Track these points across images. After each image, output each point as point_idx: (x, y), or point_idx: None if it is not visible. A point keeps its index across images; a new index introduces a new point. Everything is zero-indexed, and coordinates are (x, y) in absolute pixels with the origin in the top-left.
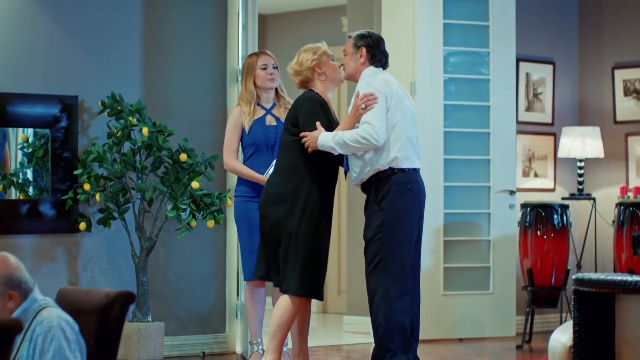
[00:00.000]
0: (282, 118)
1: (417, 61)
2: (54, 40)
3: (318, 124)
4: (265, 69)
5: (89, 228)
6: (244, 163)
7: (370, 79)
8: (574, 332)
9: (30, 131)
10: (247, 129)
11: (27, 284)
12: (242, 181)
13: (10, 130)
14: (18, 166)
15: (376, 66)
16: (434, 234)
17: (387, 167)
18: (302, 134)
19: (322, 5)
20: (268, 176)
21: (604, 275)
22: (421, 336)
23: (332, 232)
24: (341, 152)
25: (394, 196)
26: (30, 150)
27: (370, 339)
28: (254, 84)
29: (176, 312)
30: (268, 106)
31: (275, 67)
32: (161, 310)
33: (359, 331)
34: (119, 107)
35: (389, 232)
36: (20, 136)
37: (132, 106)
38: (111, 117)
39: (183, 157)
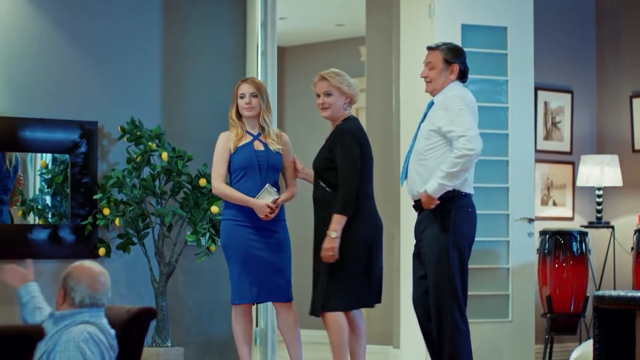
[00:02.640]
0: (270, 145)
1: None
2: (73, 66)
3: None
4: (242, 97)
5: (108, 253)
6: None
7: (462, 91)
8: (594, 349)
9: (49, 157)
10: (232, 150)
11: (78, 294)
12: (231, 205)
13: (30, 155)
14: (37, 192)
15: (463, 82)
16: None
17: (454, 189)
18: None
19: (341, 37)
20: (260, 199)
21: (624, 292)
22: None
23: None
24: (453, 184)
25: (460, 219)
26: (49, 176)
27: None
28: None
29: (195, 338)
30: (254, 132)
31: (255, 96)
32: (180, 335)
33: None
34: (138, 133)
35: (454, 254)
36: (39, 162)
37: (151, 131)
38: (131, 142)
39: (202, 182)
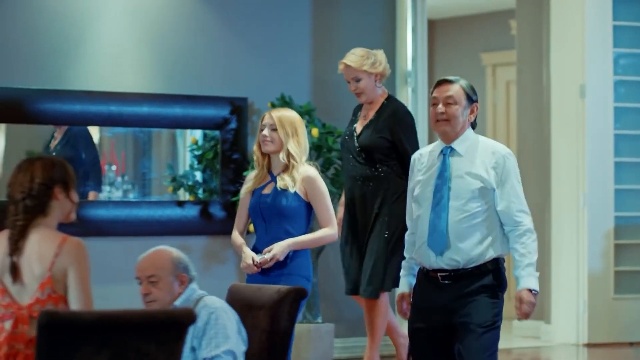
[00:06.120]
0: (278, 183)
1: (587, 63)
2: (224, 44)
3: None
4: (262, 130)
5: None
6: None
7: (510, 152)
8: None
9: (199, 133)
10: (249, 195)
11: (192, 268)
12: None
13: (179, 132)
14: (188, 168)
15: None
16: (604, 237)
17: (501, 255)
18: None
19: (490, 9)
20: (254, 262)
21: None
22: (591, 340)
23: None
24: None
25: (505, 285)
26: (200, 152)
27: (539, 343)
28: None
29: (346, 314)
30: (276, 173)
31: (274, 129)
32: (331, 311)
33: (528, 335)
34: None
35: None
36: (189, 138)
37: (301, 107)
38: None
39: None
